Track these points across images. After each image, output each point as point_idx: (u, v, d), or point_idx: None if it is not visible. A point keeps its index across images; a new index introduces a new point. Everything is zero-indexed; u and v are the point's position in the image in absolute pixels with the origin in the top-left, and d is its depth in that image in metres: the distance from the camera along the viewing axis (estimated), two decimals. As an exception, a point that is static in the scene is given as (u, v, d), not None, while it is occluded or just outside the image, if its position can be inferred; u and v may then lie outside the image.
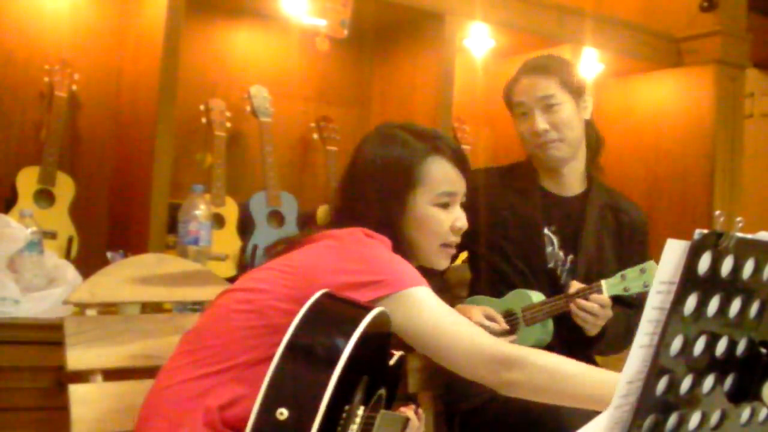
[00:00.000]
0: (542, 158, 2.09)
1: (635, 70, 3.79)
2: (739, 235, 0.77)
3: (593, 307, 1.88)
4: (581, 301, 1.89)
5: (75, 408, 1.48)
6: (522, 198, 2.11)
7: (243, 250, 2.88)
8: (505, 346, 1.34)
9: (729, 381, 0.83)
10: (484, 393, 1.91)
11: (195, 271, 1.74)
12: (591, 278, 1.96)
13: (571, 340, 1.95)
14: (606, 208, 2.12)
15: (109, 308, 1.74)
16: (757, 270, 0.80)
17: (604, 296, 1.88)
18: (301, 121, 3.28)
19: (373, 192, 1.49)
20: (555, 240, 2.08)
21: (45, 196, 2.65)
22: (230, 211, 2.91)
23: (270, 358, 1.17)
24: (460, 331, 1.35)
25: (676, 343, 0.77)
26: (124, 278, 1.62)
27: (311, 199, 3.17)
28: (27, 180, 2.63)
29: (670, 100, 3.75)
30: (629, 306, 2.03)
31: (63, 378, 1.57)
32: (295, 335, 1.18)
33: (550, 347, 1.94)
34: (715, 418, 0.85)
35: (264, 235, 2.90)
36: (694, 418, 0.82)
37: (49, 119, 2.69)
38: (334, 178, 3.11)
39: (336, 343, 1.16)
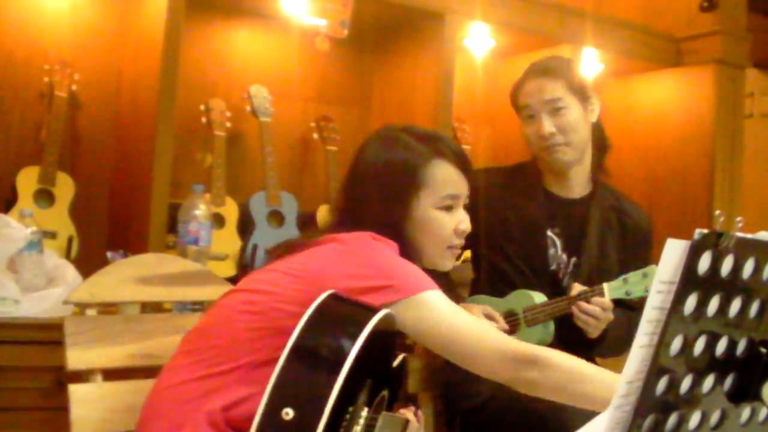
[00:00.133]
0: (548, 161, 2.08)
1: (635, 70, 3.79)
2: (739, 235, 0.77)
3: (595, 310, 1.88)
4: (583, 304, 1.89)
5: (75, 408, 1.48)
6: (526, 199, 2.10)
7: (243, 249, 2.88)
8: (524, 346, 1.36)
9: (729, 381, 0.83)
10: (484, 393, 1.91)
11: (195, 271, 1.74)
12: (593, 281, 1.96)
13: (571, 341, 1.95)
14: (610, 210, 2.12)
15: (109, 308, 1.74)
16: (757, 270, 0.80)
17: (606, 299, 1.88)
18: (301, 121, 3.28)
19: (376, 196, 1.49)
20: (558, 242, 2.08)
21: (45, 196, 2.65)
22: (230, 211, 2.91)
23: (275, 360, 1.17)
24: (477, 331, 1.36)
25: (676, 343, 0.77)
26: (124, 278, 1.62)
27: (311, 199, 3.17)
28: (27, 180, 2.63)
29: (670, 100, 3.76)
30: (631, 309, 2.02)
31: (63, 378, 1.57)
32: (301, 336, 1.18)
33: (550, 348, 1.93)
34: (715, 418, 0.85)
35: (264, 234, 2.90)
36: (694, 418, 0.82)
37: (49, 119, 2.69)
38: (334, 178, 3.11)
39: (343, 345, 1.17)
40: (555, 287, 2.04)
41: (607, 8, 3.77)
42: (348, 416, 1.18)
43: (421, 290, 1.37)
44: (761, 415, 0.89)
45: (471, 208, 1.59)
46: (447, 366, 1.85)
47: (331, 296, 1.26)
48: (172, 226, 2.65)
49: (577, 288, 1.94)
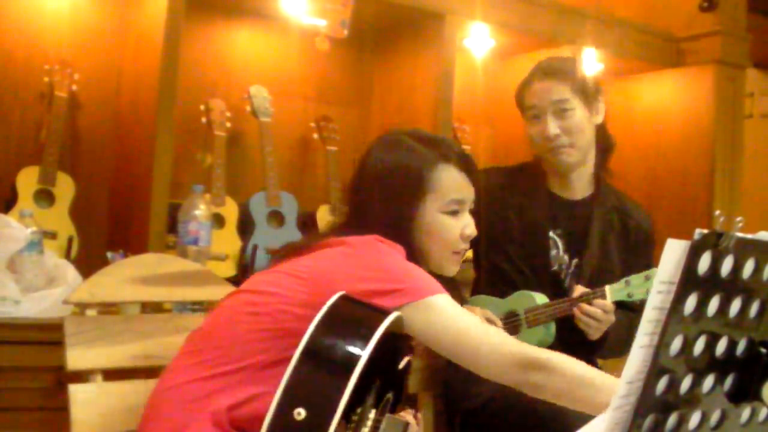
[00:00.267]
0: (552, 162, 2.07)
1: (635, 70, 3.79)
2: (739, 235, 0.77)
3: (596, 312, 1.88)
4: (585, 306, 1.89)
5: (75, 408, 1.48)
6: (528, 200, 2.10)
7: (243, 250, 2.88)
8: (532, 350, 1.36)
9: (729, 381, 0.83)
10: (485, 393, 1.91)
11: (195, 271, 1.74)
12: (595, 282, 1.96)
13: (573, 342, 1.94)
14: (613, 211, 2.11)
15: (109, 308, 1.74)
16: (757, 270, 0.80)
17: (608, 301, 1.88)
18: (301, 121, 3.28)
19: (382, 200, 1.49)
20: (560, 243, 2.07)
21: (45, 196, 2.65)
22: (230, 211, 2.91)
23: (283, 361, 1.17)
24: (485, 335, 1.37)
25: (676, 343, 0.77)
26: (124, 278, 1.62)
27: (311, 199, 3.17)
28: (27, 180, 2.63)
29: (670, 100, 3.76)
30: (632, 310, 2.02)
31: (63, 378, 1.57)
32: (313, 337, 1.19)
33: (551, 349, 1.93)
34: (715, 418, 0.85)
35: (264, 235, 2.90)
36: (694, 418, 0.82)
37: (49, 119, 2.69)
38: (334, 178, 3.11)
39: (355, 347, 1.18)
40: (556, 288, 2.04)
41: (607, 8, 3.76)
42: (356, 417, 1.19)
43: (429, 294, 1.37)
44: (761, 415, 0.89)
45: (472, 209, 1.59)
46: (448, 366, 1.85)
47: (342, 298, 1.26)
48: (172, 226, 2.65)
49: (579, 290, 1.94)
